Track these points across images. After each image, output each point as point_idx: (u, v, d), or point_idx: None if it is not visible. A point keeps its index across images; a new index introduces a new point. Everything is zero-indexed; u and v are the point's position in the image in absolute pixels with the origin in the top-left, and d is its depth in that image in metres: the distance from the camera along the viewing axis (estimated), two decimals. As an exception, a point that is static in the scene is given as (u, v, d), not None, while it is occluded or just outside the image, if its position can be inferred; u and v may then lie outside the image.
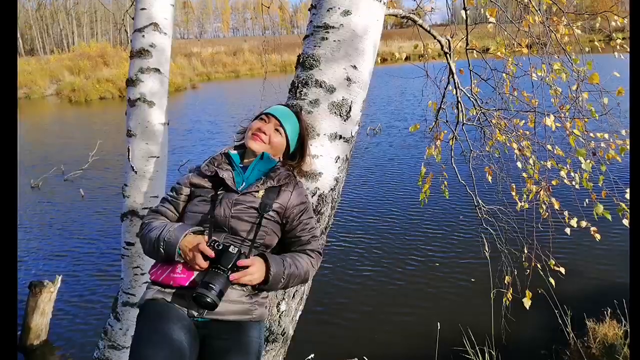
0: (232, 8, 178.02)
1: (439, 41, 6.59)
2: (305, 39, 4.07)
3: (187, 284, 3.06)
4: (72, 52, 75.01)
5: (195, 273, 3.06)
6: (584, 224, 6.78)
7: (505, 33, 7.24)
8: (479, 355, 7.97)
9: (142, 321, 3.09)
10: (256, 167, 3.41)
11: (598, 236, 6.83)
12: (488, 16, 6.53)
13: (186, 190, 3.43)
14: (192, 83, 61.33)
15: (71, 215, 16.82)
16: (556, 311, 8.38)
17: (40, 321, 9.63)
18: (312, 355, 7.53)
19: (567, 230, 6.86)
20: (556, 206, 6.91)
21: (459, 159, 7.42)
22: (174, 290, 3.11)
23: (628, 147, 5.97)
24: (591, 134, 6.68)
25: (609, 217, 6.34)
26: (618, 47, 6.72)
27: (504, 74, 7.26)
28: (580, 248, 11.41)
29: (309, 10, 4.15)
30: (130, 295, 4.94)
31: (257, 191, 3.28)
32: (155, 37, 4.78)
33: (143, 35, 4.76)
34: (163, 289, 3.13)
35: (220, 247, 3.01)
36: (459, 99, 7.02)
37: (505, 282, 7.24)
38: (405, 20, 6.03)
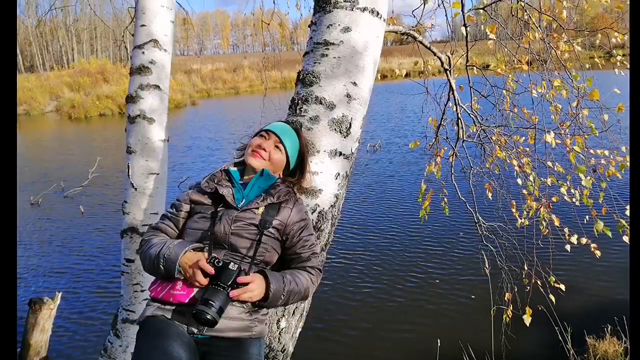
0: (232, 25, 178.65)
1: (439, 58, 6.60)
2: (305, 55, 4.08)
3: (187, 301, 3.05)
4: (72, 68, 75.07)
5: (195, 290, 3.05)
6: (584, 240, 6.77)
7: (506, 50, 7.25)
8: (480, 372, 7.97)
9: (141, 338, 3.08)
10: (256, 183, 3.40)
11: (598, 253, 6.82)
12: (488, 33, 6.55)
13: (186, 207, 3.43)
14: (192, 100, 61.44)
15: (71, 232, 16.79)
16: (556, 328, 8.36)
17: (40, 338, 9.59)
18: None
19: (568, 247, 6.85)
20: (556, 223, 6.91)
21: (459, 176, 7.41)
22: (173, 307, 3.10)
23: (628, 163, 5.97)
24: (591, 151, 6.67)
25: (609, 233, 6.34)
26: (618, 63, 6.72)
27: (504, 91, 7.26)
28: (580, 265, 11.39)
29: (309, 26, 4.16)
30: (130, 312, 4.94)
31: (257, 208, 3.28)
32: (155, 53, 4.79)
33: (143, 52, 4.77)
34: (163, 306, 3.12)
35: (220, 264, 3.00)
36: (459, 115, 7.02)
37: (506, 299, 7.23)
38: (406, 37, 6.04)
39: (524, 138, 7.17)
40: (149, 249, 3.23)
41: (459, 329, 9.64)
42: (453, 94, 6.89)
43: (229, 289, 2.97)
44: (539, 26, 6.75)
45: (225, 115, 50.11)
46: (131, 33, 5.24)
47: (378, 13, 4.01)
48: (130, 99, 4.79)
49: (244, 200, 3.33)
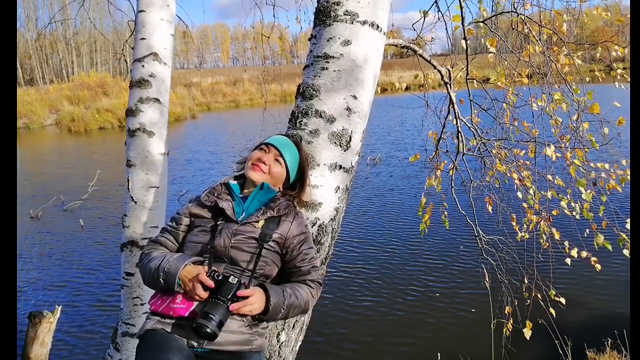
0: (232, 38, 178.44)
1: (439, 71, 6.60)
2: (305, 68, 4.07)
3: (186, 315, 3.04)
4: (72, 82, 75.05)
5: (195, 303, 3.04)
6: (584, 254, 6.77)
7: (506, 63, 7.26)
8: (480, 386, 7.95)
9: (141, 351, 3.06)
10: (256, 197, 3.40)
11: (598, 266, 6.82)
12: (488, 46, 6.56)
13: (186, 221, 3.42)
14: (192, 113, 61.44)
15: (71, 246, 16.78)
16: (556, 341, 8.35)
17: (40, 351, 9.57)
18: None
19: (568, 260, 6.84)
20: (556, 236, 6.90)
21: (459, 189, 7.41)
22: (173, 321, 3.09)
23: (629, 177, 5.96)
24: (592, 164, 6.68)
25: (610, 247, 6.34)
26: (618, 77, 6.72)
27: (504, 104, 7.27)
28: (580, 278, 11.38)
29: (309, 40, 4.16)
30: (130, 325, 4.92)
31: (257, 221, 3.27)
32: (155, 67, 4.79)
33: (143, 65, 4.77)
34: (163, 319, 3.11)
35: (220, 278, 2.99)
36: (459, 129, 7.02)
37: (506, 312, 7.21)
38: (406, 50, 6.04)
39: (524, 151, 7.17)
40: (149, 263, 3.22)
41: (459, 343, 9.62)
42: (453, 107, 6.89)
43: (229, 302, 2.96)
44: (539, 39, 6.74)
45: (225, 129, 50.11)
46: (131, 46, 5.24)
47: (378, 26, 4.01)
48: (130, 112, 4.79)
49: (244, 214, 3.33)
